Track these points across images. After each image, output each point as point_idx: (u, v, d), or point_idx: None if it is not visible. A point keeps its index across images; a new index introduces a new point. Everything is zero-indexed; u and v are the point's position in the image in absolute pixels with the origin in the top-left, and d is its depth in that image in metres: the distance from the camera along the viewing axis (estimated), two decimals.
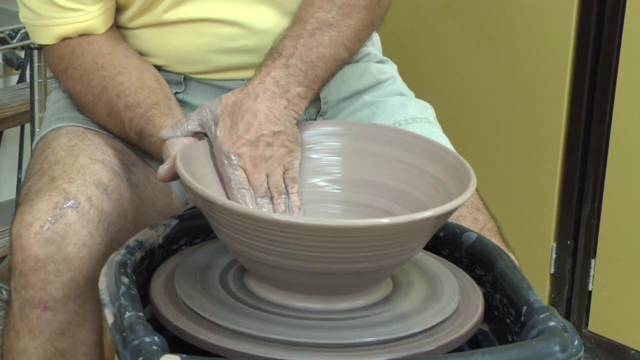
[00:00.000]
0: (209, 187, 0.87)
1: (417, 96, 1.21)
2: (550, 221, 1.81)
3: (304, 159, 0.94)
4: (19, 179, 2.00)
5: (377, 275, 0.83)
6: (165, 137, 0.94)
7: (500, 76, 1.83)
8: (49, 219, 0.93)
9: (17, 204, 0.99)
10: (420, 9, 1.92)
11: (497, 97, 1.84)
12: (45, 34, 1.06)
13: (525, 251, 1.73)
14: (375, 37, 1.23)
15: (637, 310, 1.73)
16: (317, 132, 0.96)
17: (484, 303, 0.85)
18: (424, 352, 0.77)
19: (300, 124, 0.97)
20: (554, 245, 1.82)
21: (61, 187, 0.96)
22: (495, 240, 1.00)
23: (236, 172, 0.90)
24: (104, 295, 0.80)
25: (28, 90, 1.75)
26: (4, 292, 1.77)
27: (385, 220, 0.76)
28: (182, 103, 1.11)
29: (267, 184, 0.91)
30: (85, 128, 1.07)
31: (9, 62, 1.98)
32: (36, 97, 1.70)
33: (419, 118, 1.13)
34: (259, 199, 0.90)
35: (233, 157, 0.90)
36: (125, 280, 0.81)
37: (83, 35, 1.06)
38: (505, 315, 0.85)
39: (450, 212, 0.80)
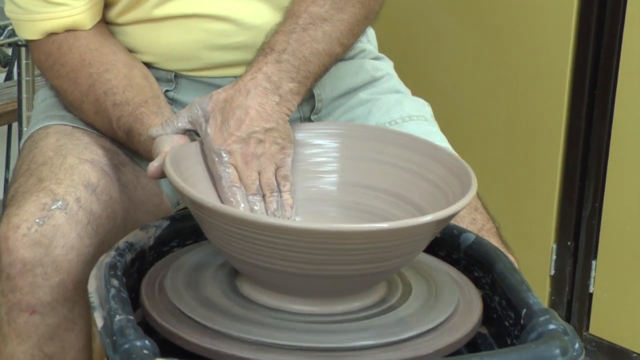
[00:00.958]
0: (199, 189, 0.88)
1: (413, 94, 1.21)
2: (551, 221, 1.81)
3: (300, 160, 0.94)
4: (6, 180, 2.00)
5: (374, 278, 0.83)
6: (155, 135, 0.94)
7: (499, 73, 1.83)
8: (37, 220, 0.93)
9: (4, 205, 0.99)
10: (417, 4, 1.92)
11: (496, 94, 1.85)
12: (30, 29, 1.06)
13: (524, 252, 1.73)
14: (371, 33, 1.23)
15: (639, 312, 1.73)
16: (315, 134, 0.96)
17: (482, 305, 0.86)
18: (421, 355, 0.77)
19: (297, 124, 0.97)
20: (554, 246, 1.83)
21: (49, 188, 0.96)
22: (494, 241, 1.00)
23: (227, 170, 0.90)
24: (94, 298, 0.80)
25: (15, 88, 1.75)
26: None
27: (384, 225, 0.77)
28: (173, 101, 1.11)
29: (259, 181, 0.91)
30: (73, 127, 1.07)
31: None
32: (24, 96, 1.70)
33: (416, 116, 1.14)
34: (250, 197, 0.90)
35: (224, 155, 0.90)
36: (115, 282, 0.80)
37: (70, 30, 1.06)
38: (504, 318, 0.85)
39: (450, 217, 0.80)
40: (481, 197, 1.06)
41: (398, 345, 0.78)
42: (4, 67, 1.98)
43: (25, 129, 1.30)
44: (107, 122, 1.03)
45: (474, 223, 1.03)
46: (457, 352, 0.81)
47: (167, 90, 1.10)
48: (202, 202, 0.79)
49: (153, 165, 0.89)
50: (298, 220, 0.91)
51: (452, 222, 0.95)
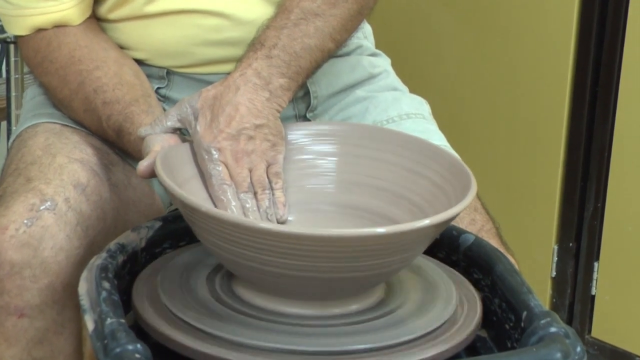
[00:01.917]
0: (190, 190, 0.88)
1: (411, 91, 1.21)
2: (552, 222, 1.82)
3: (297, 159, 0.94)
4: None
5: (371, 282, 0.84)
6: (144, 134, 0.94)
7: (499, 70, 1.83)
8: (25, 221, 0.94)
9: None
10: None
11: (496, 92, 1.85)
12: (19, 25, 1.07)
13: (525, 254, 1.73)
14: (368, 29, 1.23)
15: None
16: (312, 132, 0.96)
17: (482, 308, 0.86)
18: (419, 359, 0.78)
19: (294, 124, 0.98)
20: (556, 247, 1.83)
21: (37, 188, 0.96)
22: (494, 242, 1.00)
23: (217, 168, 0.90)
24: (84, 301, 0.80)
25: (4, 86, 1.75)
26: None
27: (380, 230, 0.76)
28: (165, 98, 1.11)
29: (250, 179, 0.91)
30: (62, 125, 1.07)
31: None
32: (13, 94, 1.70)
33: (414, 114, 1.14)
34: (241, 195, 0.91)
35: (214, 152, 0.90)
36: (106, 285, 0.81)
37: (59, 26, 1.06)
38: (504, 320, 0.85)
39: (450, 220, 0.81)
40: (481, 197, 1.06)
41: (395, 349, 0.78)
42: None
43: (15, 127, 1.30)
44: (96, 121, 1.03)
45: (474, 223, 1.03)
46: (456, 356, 0.81)
47: (159, 88, 1.11)
48: (193, 205, 0.79)
49: (143, 165, 0.90)
50: (293, 225, 0.91)
51: (451, 222, 0.96)
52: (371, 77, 1.18)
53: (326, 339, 0.80)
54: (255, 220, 0.89)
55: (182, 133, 0.95)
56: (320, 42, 0.96)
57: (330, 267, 0.78)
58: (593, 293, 1.80)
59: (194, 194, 0.88)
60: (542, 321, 0.79)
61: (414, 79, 1.36)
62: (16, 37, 1.10)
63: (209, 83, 1.09)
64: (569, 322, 1.83)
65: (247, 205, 0.91)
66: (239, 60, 0.95)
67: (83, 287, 0.82)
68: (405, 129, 1.11)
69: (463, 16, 1.87)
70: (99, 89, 1.02)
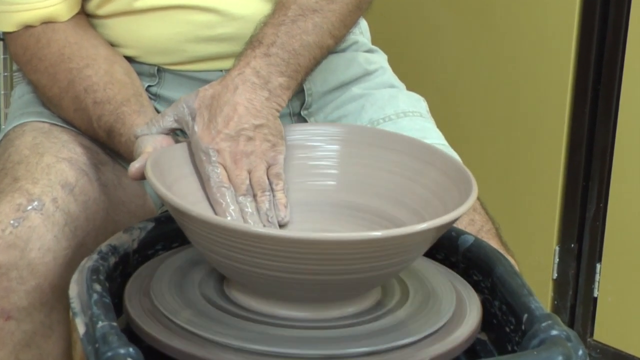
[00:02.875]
0: (181, 193, 0.88)
1: (408, 88, 1.22)
2: (553, 223, 1.82)
3: (295, 161, 0.95)
4: None
5: (368, 285, 0.84)
6: (140, 134, 0.94)
7: (499, 66, 1.83)
8: (12, 222, 0.94)
9: None
10: None
11: (495, 89, 1.85)
12: (5, 21, 1.07)
13: (525, 255, 1.74)
14: (364, 25, 1.23)
15: None
16: (312, 134, 0.97)
17: (481, 311, 0.86)
18: None
19: (293, 125, 0.98)
20: (557, 248, 1.84)
21: (24, 188, 0.96)
22: (494, 243, 1.01)
23: (216, 170, 0.90)
24: (75, 304, 0.80)
25: None
26: None
27: (377, 234, 0.77)
28: (156, 97, 1.12)
29: (250, 181, 0.92)
30: (51, 124, 1.07)
31: None
32: (1, 92, 1.70)
33: (411, 112, 1.14)
34: (240, 198, 0.91)
35: (212, 153, 0.91)
36: (97, 287, 0.81)
37: (47, 23, 1.06)
38: (504, 323, 0.86)
39: (450, 223, 0.81)
40: (480, 197, 1.06)
41: (393, 353, 0.79)
42: None
43: (3, 126, 1.31)
44: (87, 121, 1.03)
45: (473, 224, 1.03)
46: (456, 359, 0.82)
47: (149, 86, 1.11)
48: (182, 209, 0.79)
49: (134, 166, 0.90)
50: (290, 227, 0.92)
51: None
52: (367, 74, 1.18)
53: (322, 342, 0.80)
54: (246, 224, 0.89)
55: (176, 134, 0.96)
56: (319, 38, 0.96)
57: (327, 271, 0.79)
58: (595, 295, 1.80)
59: (185, 196, 0.88)
60: (543, 324, 0.79)
61: (411, 75, 1.36)
62: (4, 33, 1.10)
63: (201, 80, 1.10)
64: (571, 324, 1.84)
65: (246, 209, 0.90)
66: (236, 58, 0.95)
67: (74, 290, 0.82)
68: (402, 127, 1.11)
69: (462, 11, 1.87)
70: (90, 88, 1.02)
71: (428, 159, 0.92)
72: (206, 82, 1.10)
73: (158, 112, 1.05)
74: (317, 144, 0.97)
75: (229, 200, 0.90)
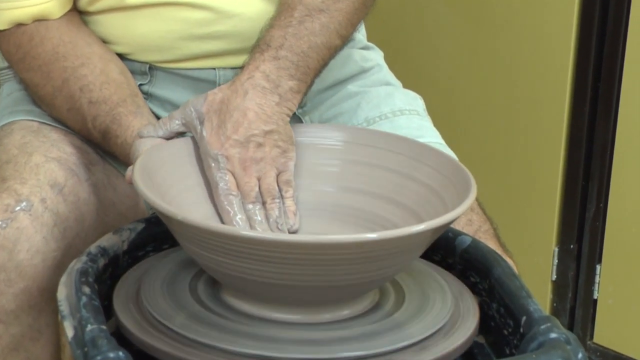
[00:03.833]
0: (171, 195, 0.88)
1: (405, 86, 1.22)
2: (552, 223, 1.82)
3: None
4: None
5: (365, 287, 0.84)
6: (146, 136, 0.94)
7: (497, 64, 1.84)
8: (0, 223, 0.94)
9: None
10: None
11: (493, 86, 1.85)
12: None
13: (524, 256, 1.74)
14: None
15: None
16: (310, 135, 0.97)
17: (479, 313, 0.86)
18: None
19: (292, 126, 0.98)
20: (556, 249, 1.84)
21: (12, 188, 0.96)
22: (492, 244, 1.01)
23: (224, 177, 0.90)
24: (64, 307, 0.80)
25: None
26: None
27: (373, 235, 0.77)
28: (148, 95, 1.12)
29: (259, 188, 0.91)
30: (40, 122, 1.07)
31: None
32: None
33: (408, 110, 1.14)
34: (249, 206, 0.91)
35: (221, 160, 0.91)
36: (86, 290, 0.81)
37: (40, 20, 1.06)
38: (502, 326, 0.86)
39: (447, 224, 0.81)
40: (478, 197, 1.07)
41: (389, 356, 0.79)
42: None
43: None
44: (81, 121, 1.03)
45: (470, 224, 1.04)
46: None
47: (141, 84, 1.11)
48: (168, 213, 0.79)
49: (131, 171, 0.90)
50: (277, 232, 0.92)
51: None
52: (363, 72, 1.18)
53: (316, 346, 0.80)
54: (235, 227, 0.89)
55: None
56: (327, 39, 0.96)
57: (321, 274, 0.79)
58: (595, 297, 1.80)
59: (175, 197, 0.89)
60: (542, 326, 0.80)
61: (408, 73, 1.37)
62: None
63: (194, 78, 1.10)
64: (570, 327, 1.84)
65: (255, 217, 0.91)
66: (244, 62, 0.95)
67: (62, 292, 0.82)
68: (399, 126, 1.11)
69: (460, 6, 1.87)
70: (85, 88, 1.02)
71: (426, 159, 0.92)
72: (199, 80, 1.10)
73: (151, 111, 1.05)
74: (315, 146, 0.97)
75: (236, 208, 0.90)
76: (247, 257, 0.77)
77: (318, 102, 1.15)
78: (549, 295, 1.85)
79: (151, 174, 0.87)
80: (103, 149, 1.05)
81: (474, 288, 0.90)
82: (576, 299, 1.83)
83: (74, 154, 1.03)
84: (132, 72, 1.09)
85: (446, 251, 0.94)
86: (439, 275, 0.91)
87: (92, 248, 0.87)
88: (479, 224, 1.05)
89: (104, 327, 0.77)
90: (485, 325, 0.88)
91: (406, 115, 1.14)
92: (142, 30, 1.07)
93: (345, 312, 0.83)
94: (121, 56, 1.09)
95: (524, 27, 1.78)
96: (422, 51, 1.94)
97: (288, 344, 0.80)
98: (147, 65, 1.11)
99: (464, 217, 1.03)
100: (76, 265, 0.84)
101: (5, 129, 1.07)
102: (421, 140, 1.04)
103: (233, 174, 0.91)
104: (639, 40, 1.67)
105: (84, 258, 0.85)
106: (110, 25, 1.09)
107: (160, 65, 1.10)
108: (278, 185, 0.92)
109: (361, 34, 1.23)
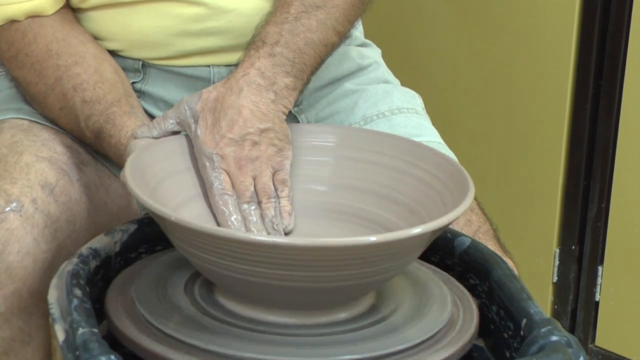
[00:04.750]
0: (162, 195, 0.88)
1: (403, 84, 1.22)
2: (553, 224, 1.83)
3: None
4: None
5: (362, 290, 0.84)
6: (141, 136, 0.94)
7: (497, 62, 1.84)
8: None
9: None
10: None
11: (493, 85, 1.85)
12: None
13: (524, 257, 1.75)
14: None
15: None
16: (305, 135, 0.97)
17: (478, 316, 0.86)
18: None
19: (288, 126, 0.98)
20: (557, 250, 1.84)
21: (2, 189, 0.96)
22: (491, 245, 1.01)
23: (219, 176, 0.90)
24: (54, 310, 0.80)
25: None
26: None
27: (371, 239, 0.77)
28: (140, 93, 1.11)
29: (255, 187, 0.91)
30: (30, 121, 1.07)
31: None
32: None
33: (406, 108, 1.14)
34: (244, 206, 0.91)
35: (215, 159, 0.91)
36: (77, 292, 0.81)
37: (34, 17, 1.05)
38: (502, 329, 0.86)
39: (445, 226, 0.81)
40: (477, 197, 1.07)
41: (387, 359, 0.79)
42: None
43: None
44: (73, 120, 1.03)
45: (469, 225, 1.04)
46: None
47: (133, 82, 1.11)
48: (161, 214, 0.79)
49: None
50: (274, 235, 0.92)
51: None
52: (360, 69, 1.18)
53: (312, 349, 0.80)
54: (230, 230, 0.89)
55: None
56: (324, 36, 0.96)
57: (318, 277, 0.79)
58: (597, 299, 1.81)
59: (166, 197, 0.88)
60: (543, 329, 0.80)
61: (406, 71, 1.37)
62: None
63: (188, 76, 1.10)
64: (572, 330, 1.84)
65: (250, 218, 0.91)
66: (239, 59, 0.95)
67: (53, 295, 0.82)
68: (397, 124, 1.11)
69: (458, 3, 1.87)
70: (79, 87, 1.02)
71: (424, 159, 0.92)
72: (193, 78, 1.10)
73: (144, 110, 1.05)
74: (309, 146, 0.96)
75: (231, 208, 0.90)
76: (241, 259, 0.77)
77: (314, 100, 1.15)
78: (549, 297, 1.85)
79: (143, 172, 0.87)
80: (95, 149, 1.04)
81: (473, 290, 0.91)
82: (577, 301, 1.83)
83: (65, 154, 1.03)
84: (125, 70, 1.09)
85: (445, 252, 0.94)
86: (437, 277, 0.91)
87: (84, 250, 0.87)
88: (478, 225, 1.05)
89: (95, 330, 0.77)
90: (485, 328, 0.88)
91: (404, 113, 1.14)
92: (136, 26, 1.07)
93: (343, 315, 0.83)
94: (114, 53, 1.09)
95: (525, 25, 1.78)
96: (420, 49, 1.94)
97: (283, 346, 0.80)
98: (140, 63, 1.11)
99: (463, 218, 1.03)
100: (67, 267, 0.84)
101: None
102: (420, 139, 1.04)
103: (228, 173, 0.91)
104: None
105: (75, 260, 0.85)
106: (103, 21, 1.08)
107: (154, 63, 1.10)
108: (274, 185, 0.92)
109: (359, 31, 1.23)
